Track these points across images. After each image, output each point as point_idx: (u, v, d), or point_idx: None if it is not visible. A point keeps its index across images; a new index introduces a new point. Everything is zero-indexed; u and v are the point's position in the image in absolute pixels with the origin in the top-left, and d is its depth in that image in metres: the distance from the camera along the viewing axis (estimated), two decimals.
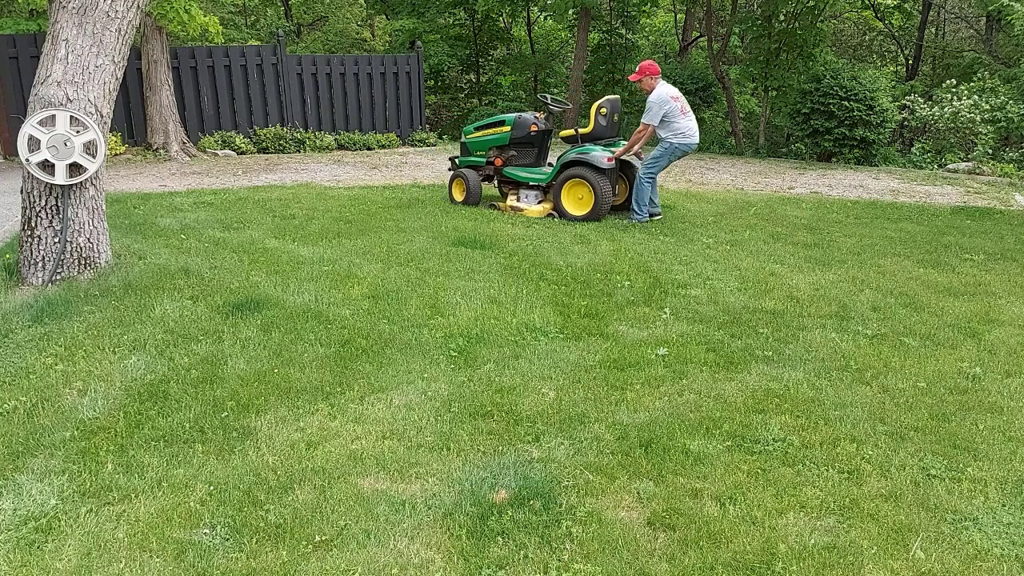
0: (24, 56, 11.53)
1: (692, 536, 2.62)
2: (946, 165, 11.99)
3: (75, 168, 4.95)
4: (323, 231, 6.70)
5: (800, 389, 3.76)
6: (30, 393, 3.59)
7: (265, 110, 13.49)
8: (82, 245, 5.12)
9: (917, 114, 13.07)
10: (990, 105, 12.06)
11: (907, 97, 13.77)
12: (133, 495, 2.83)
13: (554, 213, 7.62)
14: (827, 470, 3.04)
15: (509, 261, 5.89)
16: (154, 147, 12.27)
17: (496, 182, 8.28)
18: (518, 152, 8.01)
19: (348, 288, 5.11)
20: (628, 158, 7.65)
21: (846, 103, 12.18)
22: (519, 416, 3.43)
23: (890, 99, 12.76)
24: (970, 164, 11.60)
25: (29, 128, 4.80)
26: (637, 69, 7.47)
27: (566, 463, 3.06)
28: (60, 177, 4.89)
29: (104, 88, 5.01)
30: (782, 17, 14.47)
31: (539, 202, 7.81)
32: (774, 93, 14.63)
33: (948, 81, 13.27)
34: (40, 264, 5.01)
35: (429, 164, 12.00)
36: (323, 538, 2.59)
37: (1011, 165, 11.53)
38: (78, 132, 4.85)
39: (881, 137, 12.62)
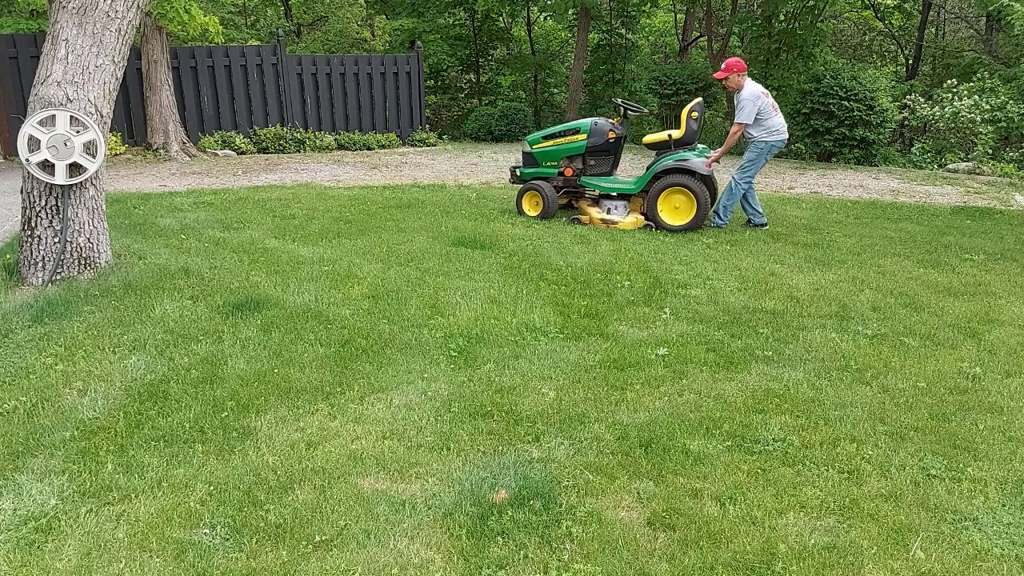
0: (24, 56, 11.53)
1: (692, 536, 2.62)
2: (946, 165, 11.99)
3: (75, 168, 4.95)
4: (323, 231, 6.70)
5: (800, 389, 3.76)
6: (30, 393, 3.59)
7: (265, 110, 13.50)
8: (82, 245, 5.12)
9: (917, 114, 13.07)
10: (990, 105, 12.05)
11: (907, 97, 13.78)
12: (133, 495, 2.83)
13: (651, 224, 7.24)
14: (827, 470, 3.04)
15: (509, 261, 5.89)
16: (154, 147, 12.27)
17: (562, 193, 7.82)
18: (596, 161, 7.60)
19: (348, 288, 5.11)
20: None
21: (846, 103, 12.19)
22: (519, 416, 3.43)
23: (890, 99, 12.76)
24: (970, 164, 11.60)
25: (29, 128, 4.80)
26: (723, 66, 7.22)
27: (566, 463, 3.06)
28: (60, 177, 4.89)
29: (104, 88, 5.01)
30: (782, 17, 14.48)
31: (629, 212, 7.42)
32: (774, 93, 14.62)
33: (949, 81, 13.27)
34: (40, 264, 5.01)
35: (429, 164, 12.00)
36: (323, 538, 2.59)
37: (1011, 165, 11.53)
38: (78, 132, 4.85)
39: (881, 137, 12.62)
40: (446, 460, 3.09)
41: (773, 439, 3.26)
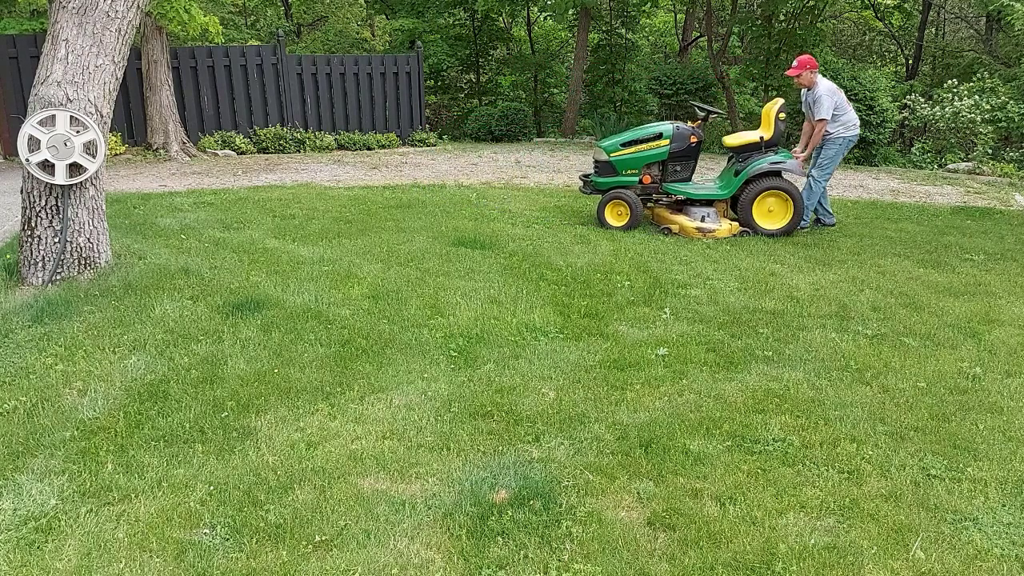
0: (24, 56, 11.53)
1: (692, 536, 2.62)
2: (946, 165, 11.99)
3: (75, 168, 4.95)
4: (323, 231, 6.70)
5: (800, 389, 3.76)
6: (30, 393, 3.59)
7: (265, 110, 13.49)
8: (82, 245, 5.12)
9: (917, 114, 13.07)
10: (990, 105, 12.05)
11: (907, 97, 13.78)
12: (133, 495, 2.83)
13: (747, 230, 7.04)
14: (827, 470, 3.04)
15: (509, 261, 5.89)
16: (154, 147, 12.27)
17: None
18: (680, 167, 7.33)
19: (348, 288, 5.11)
20: None
21: None
22: (519, 416, 3.43)
23: (890, 99, 12.76)
24: (970, 164, 11.60)
25: (29, 128, 4.80)
26: (796, 64, 7.16)
27: (566, 463, 3.06)
28: (60, 177, 4.88)
29: (104, 88, 5.01)
30: (782, 17, 14.48)
31: (720, 219, 7.17)
32: (774, 93, 14.64)
33: (950, 81, 13.27)
34: (40, 264, 5.01)
35: (429, 164, 12.00)
36: (323, 538, 2.59)
37: (1011, 165, 11.53)
38: (78, 132, 4.85)
39: (881, 137, 12.62)
40: (446, 460, 3.09)
41: (773, 439, 3.26)
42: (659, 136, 7.22)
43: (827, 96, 7.05)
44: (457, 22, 19.19)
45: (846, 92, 12.06)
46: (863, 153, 12.65)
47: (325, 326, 4.42)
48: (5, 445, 3.15)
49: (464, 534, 2.61)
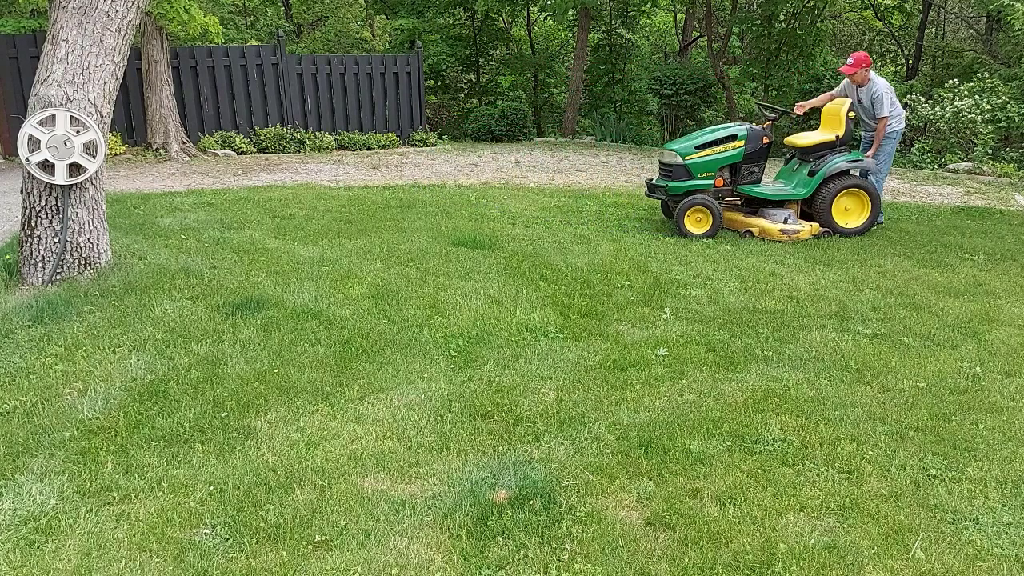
0: (24, 56, 11.53)
1: (692, 536, 2.62)
2: (946, 165, 11.98)
3: (75, 168, 4.95)
4: (323, 231, 6.70)
5: (800, 389, 3.76)
6: (30, 393, 3.59)
7: (265, 110, 13.49)
8: (82, 245, 5.12)
9: (917, 114, 13.06)
10: (991, 105, 12.04)
11: (907, 97, 13.77)
12: (133, 495, 2.83)
13: (827, 230, 6.97)
14: (827, 470, 3.04)
15: (509, 261, 5.89)
16: (154, 147, 12.26)
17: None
18: (755, 168, 7.22)
19: (348, 288, 5.11)
20: None
21: None
22: (519, 416, 3.43)
23: None
24: (970, 164, 11.59)
25: (29, 128, 4.80)
26: (851, 61, 7.16)
27: (566, 463, 3.07)
28: (60, 177, 4.89)
29: (104, 88, 5.01)
30: (782, 17, 14.49)
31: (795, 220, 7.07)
32: (774, 93, 14.64)
33: (950, 81, 13.26)
34: (40, 264, 5.01)
35: (429, 164, 12.00)
36: (323, 538, 2.59)
37: (1011, 165, 11.52)
38: (78, 132, 4.85)
39: None
40: (446, 460, 3.09)
41: (773, 439, 3.26)
42: (734, 137, 7.08)
43: (888, 92, 7.09)
44: (457, 22, 19.18)
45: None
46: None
47: (325, 326, 4.42)
48: (5, 445, 3.15)
49: (464, 534, 2.61)
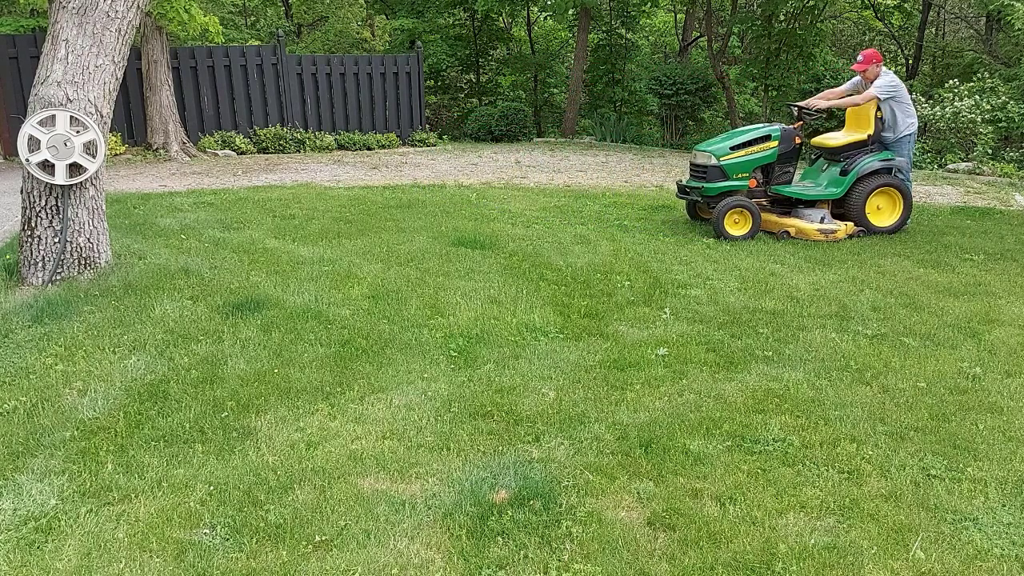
0: (24, 56, 11.53)
1: (692, 536, 2.62)
2: (946, 165, 11.98)
3: (75, 168, 4.95)
4: (323, 231, 6.70)
5: (800, 389, 3.76)
6: (30, 393, 3.59)
7: (265, 110, 13.50)
8: (82, 245, 5.12)
9: (917, 114, 13.07)
10: (991, 105, 12.04)
11: None
12: (133, 495, 2.83)
13: (862, 230, 6.98)
14: (827, 470, 3.04)
15: (509, 261, 5.89)
16: (154, 147, 12.27)
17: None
18: (790, 168, 7.23)
19: (348, 288, 5.11)
20: None
21: None
22: (519, 416, 3.43)
23: None
24: (970, 164, 11.59)
25: (29, 128, 4.80)
26: (861, 58, 7.16)
27: (566, 463, 3.07)
28: (60, 177, 4.89)
29: (104, 88, 5.01)
30: (782, 17, 14.49)
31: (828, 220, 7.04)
32: (774, 93, 14.64)
33: (951, 81, 13.26)
34: (40, 264, 5.01)
35: (429, 164, 12.00)
36: (323, 538, 2.59)
37: (1011, 165, 11.51)
38: (78, 132, 4.85)
39: None
40: (446, 460, 3.09)
41: (773, 439, 3.26)
42: (768, 138, 7.06)
43: (900, 87, 7.06)
44: (457, 22, 19.19)
45: None
46: None
47: (325, 326, 4.42)
48: (5, 445, 3.15)
49: (464, 534, 2.61)
